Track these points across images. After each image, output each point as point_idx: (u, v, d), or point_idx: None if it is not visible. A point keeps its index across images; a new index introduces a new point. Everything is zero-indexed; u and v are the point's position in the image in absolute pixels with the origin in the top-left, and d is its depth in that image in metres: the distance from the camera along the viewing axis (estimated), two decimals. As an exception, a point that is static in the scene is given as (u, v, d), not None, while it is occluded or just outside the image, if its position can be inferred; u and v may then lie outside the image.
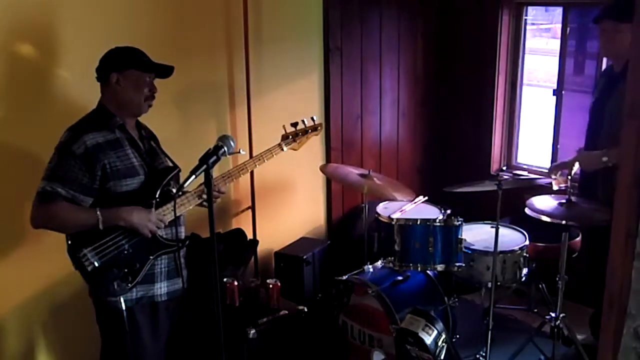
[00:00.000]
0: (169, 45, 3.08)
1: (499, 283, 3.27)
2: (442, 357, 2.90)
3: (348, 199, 4.29)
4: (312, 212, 4.19)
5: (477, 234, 3.45)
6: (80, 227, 2.34)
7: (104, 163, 2.36)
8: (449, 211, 3.49)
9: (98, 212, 2.32)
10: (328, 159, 4.13)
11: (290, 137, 2.90)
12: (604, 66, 3.71)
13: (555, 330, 3.19)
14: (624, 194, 1.39)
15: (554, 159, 4.17)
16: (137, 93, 2.45)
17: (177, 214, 2.48)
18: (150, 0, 3.13)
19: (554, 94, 4.22)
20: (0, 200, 2.78)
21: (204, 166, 2.15)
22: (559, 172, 3.27)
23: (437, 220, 3.20)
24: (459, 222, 3.15)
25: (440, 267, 3.19)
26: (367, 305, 3.11)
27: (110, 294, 2.41)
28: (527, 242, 3.36)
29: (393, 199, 3.49)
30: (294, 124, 2.91)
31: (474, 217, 3.57)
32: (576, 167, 3.16)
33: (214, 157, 2.19)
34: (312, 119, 2.98)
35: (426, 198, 3.78)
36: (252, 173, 3.64)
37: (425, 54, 4.56)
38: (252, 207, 3.75)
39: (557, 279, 3.15)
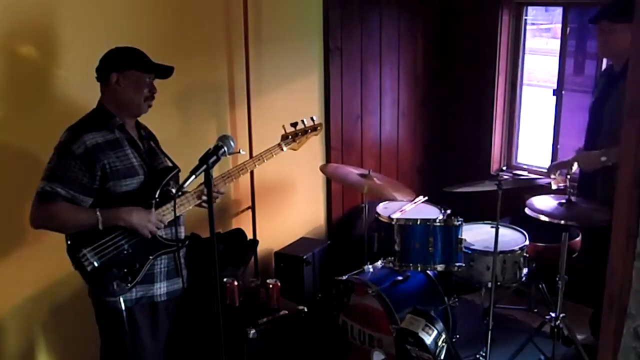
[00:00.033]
0: (169, 45, 3.08)
1: (499, 283, 3.27)
2: (442, 357, 2.90)
3: (348, 199, 4.29)
4: (312, 212, 4.19)
5: (477, 234, 3.45)
6: (80, 227, 2.34)
7: (103, 163, 2.36)
8: (449, 211, 3.49)
9: (98, 213, 2.32)
10: (328, 159, 4.13)
11: (290, 137, 2.90)
12: (604, 66, 3.71)
13: (555, 330, 3.19)
14: (624, 194, 1.39)
15: (554, 159, 4.17)
16: (137, 93, 2.45)
17: (177, 214, 2.48)
18: (150, 0, 3.13)
19: (554, 94, 4.22)
20: (0, 200, 2.78)
21: (204, 166, 2.15)
22: (558, 172, 3.27)
23: (437, 220, 3.20)
24: (459, 222, 3.15)
25: (440, 267, 3.19)
26: (367, 305, 3.11)
27: (109, 294, 2.41)
28: (527, 242, 3.36)
29: (393, 199, 3.49)
30: (294, 124, 2.91)
31: (474, 217, 3.57)
32: (575, 167, 3.16)
33: (214, 157, 2.19)
34: (312, 119, 2.98)
35: (426, 198, 3.78)
36: (252, 173, 3.64)
37: (425, 54, 4.56)
38: (252, 207, 3.75)
39: (557, 279, 3.15)
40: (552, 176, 3.28)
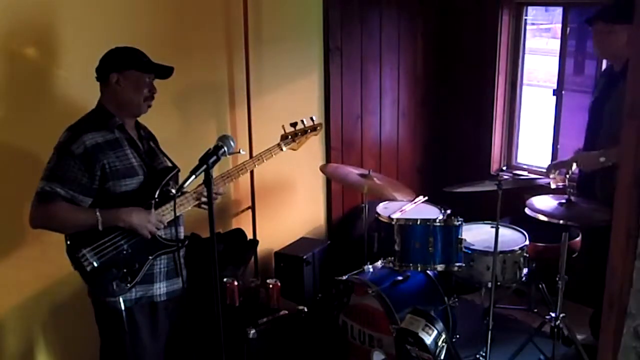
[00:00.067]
0: (169, 45, 3.08)
1: (499, 283, 3.26)
2: (442, 357, 2.90)
3: (348, 199, 4.29)
4: (312, 212, 4.19)
5: (477, 234, 3.45)
6: (80, 228, 2.34)
7: (103, 163, 2.36)
8: (449, 211, 3.49)
9: (97, 213, 2.32)
10: (328, 159, 4.13)
11: (290, 137, 2.90)
12: (604, 66, 3.71)
13: (555, 330, 3.19)
14: (624, 194, 1.38)
15: (553, 159, 4.16)
16: (136, 93, 2.45)
17: (177, 214, 2.48)
18: (150, 0, 3.13)
19: (554, 94, 4.22)
20: (0, 200, 2.78)
21: (204, 166, 2.15)
22: (557, 171, 3.27)
23: (437, 220, 3.20)
24: (459, 222, 3.15)
25: (440, 267, 3.19)
26: (367, 305, 3.11)
27: (109, 294, 2.41)
28: (527, 242, 3.36)
29: (393, 199, 3.49)
30: (293, 124, 2.91)
31: (474, 217, 3.57)
32: (574, 167, 3.16)
33: (214, 157, 2.19)
34: (312, 119, 2.98)
35: (426, 198, 3.78)
36: (252, 173, 3.64)
37: (425, 54, 4.56)
38: (252, 207, 3.75)
39: (557, 279, 3.15)
40: (551, 175, 3.28)
